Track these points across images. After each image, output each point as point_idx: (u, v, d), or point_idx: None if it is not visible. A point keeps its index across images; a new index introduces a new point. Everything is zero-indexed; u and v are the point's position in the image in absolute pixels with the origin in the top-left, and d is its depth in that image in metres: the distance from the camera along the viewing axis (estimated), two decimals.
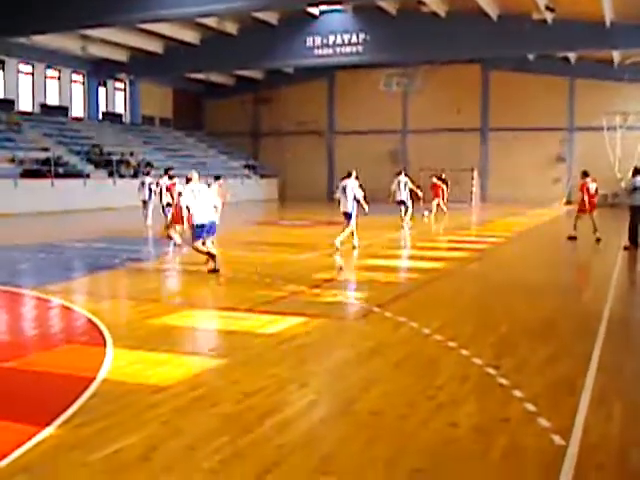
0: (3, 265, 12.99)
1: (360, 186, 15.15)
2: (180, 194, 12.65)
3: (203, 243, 11.56)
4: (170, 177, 18.43)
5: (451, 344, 6.79)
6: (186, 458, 4.14)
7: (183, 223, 13.42)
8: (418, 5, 29.68)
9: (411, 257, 15.21)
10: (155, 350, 6.50)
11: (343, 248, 14.55)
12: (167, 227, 15.17)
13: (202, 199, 11.39)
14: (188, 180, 11.73)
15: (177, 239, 14.38)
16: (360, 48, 32.35)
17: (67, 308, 8.69)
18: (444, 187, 26.00)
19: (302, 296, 9.52)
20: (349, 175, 15.30)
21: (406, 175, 21.82)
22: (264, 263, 12.83)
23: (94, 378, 5.60)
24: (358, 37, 32.23)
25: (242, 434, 4.48)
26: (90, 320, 7.80)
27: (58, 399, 5.15)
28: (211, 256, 11.44)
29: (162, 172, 19.27)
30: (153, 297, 9.42)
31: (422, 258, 14.25)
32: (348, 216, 14.83)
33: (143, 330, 7.39)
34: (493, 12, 29.23)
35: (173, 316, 8.07)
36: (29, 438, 4.35)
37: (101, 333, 7.14)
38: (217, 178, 18.38)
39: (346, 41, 32.50)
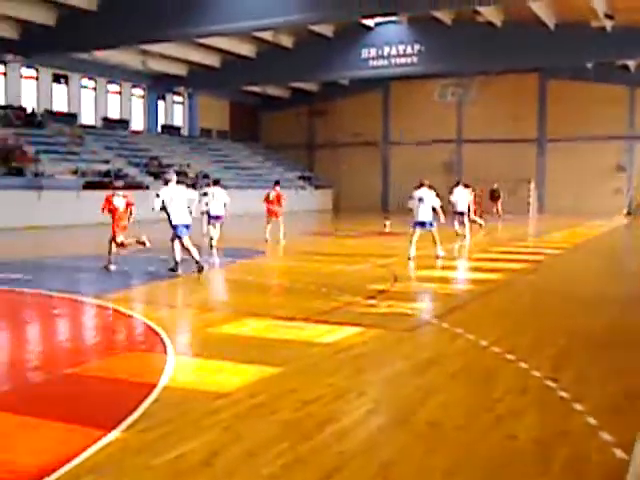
0: (67, 274, 13.39)
1: (437, 195, 15.30)
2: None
3: (181, 243, 12.25)
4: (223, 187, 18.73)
5: (509, 356, 6.72)
6: (247, 464, 4.22)
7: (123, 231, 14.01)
8: (474, 15, 29.58)
9: (467, 268, 15.09)
10: (214, 358, 6.63)
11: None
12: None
13: (179, 201, 12.10)
14: (167, 182, 12.35)
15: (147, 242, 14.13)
16: (415, 59, 32.37)
17: (128, 316, 8.91)
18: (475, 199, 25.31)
19: (358, 306, 9.56)
20: (422, 185, 15.37)
21: (466, 186, 21.60)
22: (319, 273, 12.91)
23: (156, 384, 5.74)
24: (413, 48, 32.26)
25: (302, 441, 4.54)
26: (151, 328, 7.99)
27: (122, 404, 5.29)
28: (189, 251, 12.22)
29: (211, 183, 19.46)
30: (212, 306, 9.60)
31: (478, 269, 14.13)
32: (422, 225, 14.99)
33: (203, 338, 7.54)
34: (550, 21, 28.90)
35: (232, 324, 8.20)
36: (95, 441, 4.48)
37: (162, 340, 7.30)
38: (277, 183, 18.90)
39: (401, 52, 32.56)
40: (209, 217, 17.87)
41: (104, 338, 8.14)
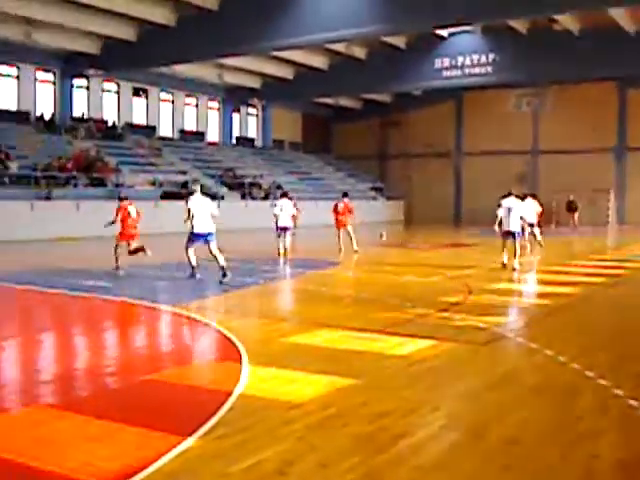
0: (145, 282, 13.75)
1: (541, 205, 15.52)
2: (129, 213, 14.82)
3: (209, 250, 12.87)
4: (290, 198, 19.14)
5: (589, 373, 6.52)
6: (320, 475, 4.22)
7: (132, 239, 14.96)
8: (550, 23, 29.01)
9: (542, 282, 14.73)
10: (288, 368, 6.68)
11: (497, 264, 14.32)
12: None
13: (203, 210, 12.68)
14: (192, 192, 13.11)
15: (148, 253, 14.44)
16: (489, 69, 31.95)
17: (204, 324, 9.08)
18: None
19: (430, 319, 9.47)
20: (509, 194, 15.30)
21: (534, 197, 20.85)
22: (391, 285, 12.85)
23: (231, 392, 5.81)
24: (487, 57, 31.85)
25: (375, 454, 4.51)
26: (225, 336, 8.11)
27: (198, 411, 5.38)
28: (218, 261, 12.79)
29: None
30: (285, 316, 9.68)
31: (554, 282, 13.77)
32: (512, 235, 14.99)
33: (276, 348, 7.61)
34: (630, 27, 28.03)
35: (304, 335, 8.25)
36: (172, 447, 4.56)
37: (236, 349, 7.40)
38: (345, 195, 19.05)
39: (475, 62, 32.20)
40: (277, 228, 18.37)
41: (180, 346, 8.32)
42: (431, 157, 43.83)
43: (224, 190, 32.73)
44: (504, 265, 15.22)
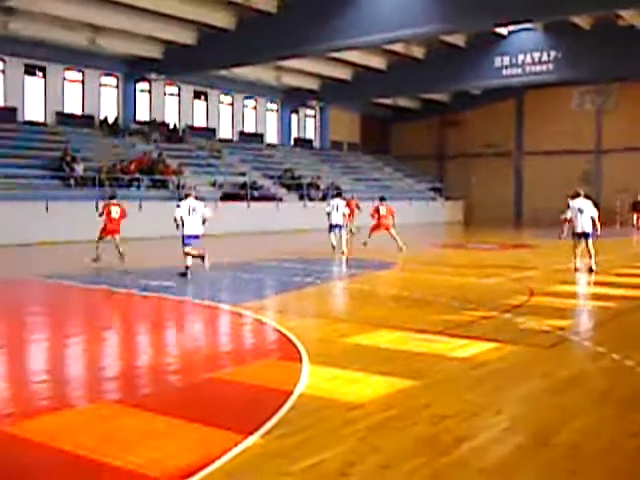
0: (206, 283, 13.94)
1: (595, 205, 15.00)
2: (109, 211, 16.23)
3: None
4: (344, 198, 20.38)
5: None
6: (381, 477, 4.20)
7: (113, 234, 16.37)
8: (614, 18, 28.24)
9: (606, 284, 14.33)
10: (348, 368, 6.67)
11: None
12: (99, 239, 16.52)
13: (194, 214, 13.74)
14: (186, 196, 14.26)
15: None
16: (551, 66, 31.31)
17: (264, 324, 9.16)
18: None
19: (492, 321, 9.33)
20: (577, 195, 15.05)
21: (587, 197, 20.15)
22: (451, 286, 12.72)
23: (292, 392, 5.84)
24: (549, 55, 31.22)
25: (438, 456, 4.47)
26: (285, 336, 8.16)
27: (259, 410, 5.43)
28: (201, 257, 13.86)
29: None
30: (344, 316, 9.67)
31: (618, 285, 13.37)
32: (585, 236, 14.69)
33: (336, 348, 7.61)
34: None
35: (364, 335, 8.23)
36: (235, 445, 4.61)
37: (297, 349, 7.44)
38: (383, 199, 19.33)
39: (536, 60, 31.61)
40: (331, 226, 19.28)
41: (241, 345, 8.42)
42: (491, 157, 43.21)
43: (282, 191, 32.94)
44: (577, 269, 14.76)
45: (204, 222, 14.00)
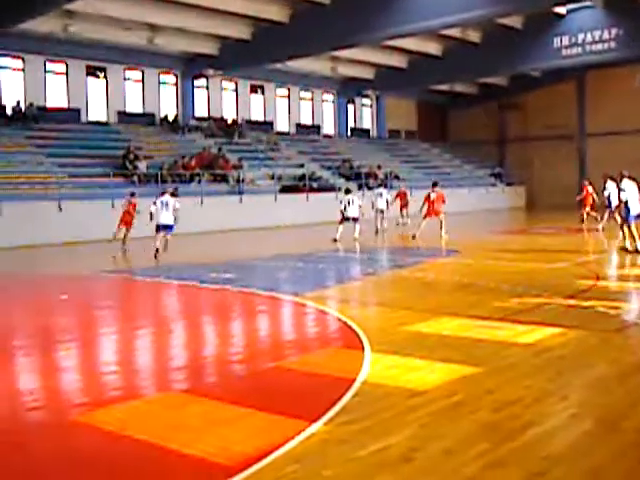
0: (266, 274, 14.13)
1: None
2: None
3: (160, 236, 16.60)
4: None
5: None
6: (447, 462, 4.21)
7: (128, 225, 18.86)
8: None
9: None
10: (410, 356, 6.68)
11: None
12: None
13: (167, 208, 16.48)
14: (163, 193, 17.28)
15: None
16: (612, 44, 30.38)
17: (325, 313, 9.24)
18: (594, 194, 23.32)
19: (557, 306, 9.17)
20: (622, 177, 15.06)
21: (613, 179, 19.45)
22: (514, 272, 12.55)
23: (354, 379, 5.89)
24: (610, 33, 30.28)
25: (503, 442, 4.45)
26: (347, 325, 8.22)
27: (323, 397, 5.49)
28: (157, 249, 16.34)
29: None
30: (405, 304, 9.66)
31: None
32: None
33: (398, 336, 7.62)
34: None
35: (426, 323, 8.22)
36: (300, 432, 4.68)
37: (358, 338, 7.48)
38: (435, 184, 19.68)
39: (597, 38, 30.72)
40: (345, 219, 20.37)
41: (304, 334, 8.52)
42: (553, 139, 42.25)
43: (341, 181, 32.97)
44: (638, 251, 14.44)
45: (176, 215, 16.67)
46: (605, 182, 20.30)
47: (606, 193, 20.13)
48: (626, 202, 14.72)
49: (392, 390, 5.62)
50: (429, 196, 20.44)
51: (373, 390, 5.63)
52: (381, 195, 23.39)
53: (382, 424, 4.86)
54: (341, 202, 20.89)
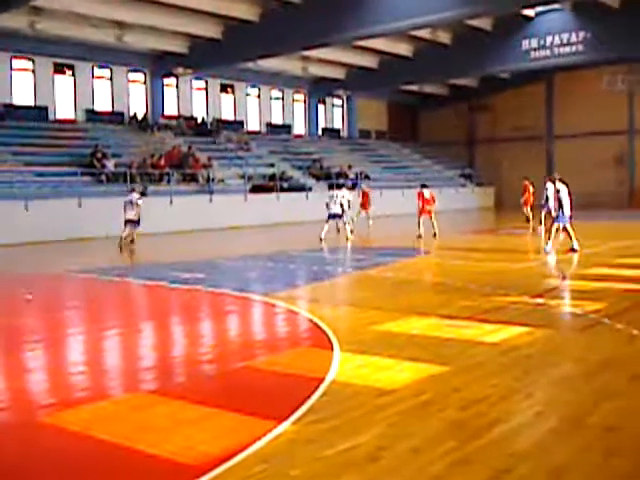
0: (236, 274, 14.08)
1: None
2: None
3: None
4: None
5: None
6: (414, 460, 4.23)
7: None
8: None
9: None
10: (379, 355, 6.70)
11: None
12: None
13: (133, 206, 18.89)
14: (132, 190, 19.82)
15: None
16: (580, 47, 30.80)
17: (294, 313, 9.23)
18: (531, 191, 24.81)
19: (523, 305, 9.28)
20: (560, 180, 16.02)
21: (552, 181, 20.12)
22: (482, 272, 12.66)
23: (323, 379, 5.89)
24: (578, 35, 30.70)
25: (470, 440, 4.48)
26: (316, 324, 8.21)
27: (291, 397, 5.49)
28: (123, 239, 18.96)
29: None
30: (374, 304, 9.69)
31: None
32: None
33: (367, 335, 7.64)
34: None
35: (395, 323, 8.25)
36: (267, 431, 4.68)
37: (327, 337, 7.49)
38: (425, 186, 20.78)
39: (565, 41, 31.11)
40: (329, 216, 20.46)
41: (273, 334, 8.49)
42: (521, 141, 42.71)
43: (312, 182, 32.97)
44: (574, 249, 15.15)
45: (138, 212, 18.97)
46: (545, 183, 20.92)
47: (545, 194, 20.81)
48: (560, 204, 15.05)
49: (361, 389, 5.63)
50: (422, 194, 20.67)
51: (342, 389, 5.64)
52: (336, 197, 20.71)
53: (350, 423, 4.86)
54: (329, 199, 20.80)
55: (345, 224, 20.70)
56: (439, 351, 6.84)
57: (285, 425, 4.81)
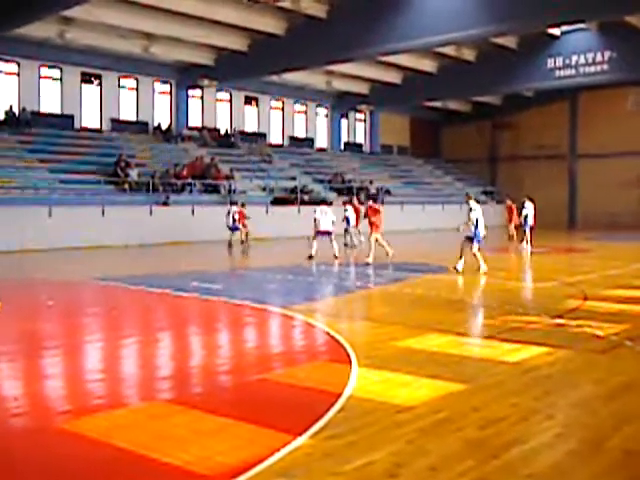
0: (256, 285, 14.09)
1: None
2: None
3: None
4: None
5: None
6: (430, 478, 4.20)
7: None
8: None
9: None
10: (397, 371, 6.68)
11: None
12: None
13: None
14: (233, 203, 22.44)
15: None
16: (605, 67, 30.65)
17: (313, 326, 9.22)
18: (515, 210, 25.64)
19: (544, 325, 9.20)
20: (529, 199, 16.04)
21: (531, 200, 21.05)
22: (503, 290, 12.58)
23: (341, 394, 5.87)
24: (603, 55, 30.56)
25: (488, 460, 4.45)
26: (335, 339, 8.20)
27: (309, 411, 5.48)
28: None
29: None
30: (394, 320, 9.66)
31: None
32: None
33: (386, 351, 7.61)
34: None
35: (414, 339, 8.21)
36: (285, 445, 4.66)
37: (346, 352, 7.47)
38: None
39: (590, 60, 30.99)
40: (318, 233, 18.75)
41: (291, 347, 8.48)
42: (544, 159, 42.51)
43: (332, 195, 33.01)
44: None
45: None
46: (524, 203, 21.43)
47: (524, 213, 21.78)
48: (476, 223, 14.89)
49: (378, 405, 5.61)
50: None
51: (359, 405, 5.62)
52: (326, 214, 19.07)
53: (367, 439, 4.84)
54: (315, 212, 19.23)
55: (333, 241, 18.71)
56: (458, 369, 6.80)
57: (302, 439, 4.80)
